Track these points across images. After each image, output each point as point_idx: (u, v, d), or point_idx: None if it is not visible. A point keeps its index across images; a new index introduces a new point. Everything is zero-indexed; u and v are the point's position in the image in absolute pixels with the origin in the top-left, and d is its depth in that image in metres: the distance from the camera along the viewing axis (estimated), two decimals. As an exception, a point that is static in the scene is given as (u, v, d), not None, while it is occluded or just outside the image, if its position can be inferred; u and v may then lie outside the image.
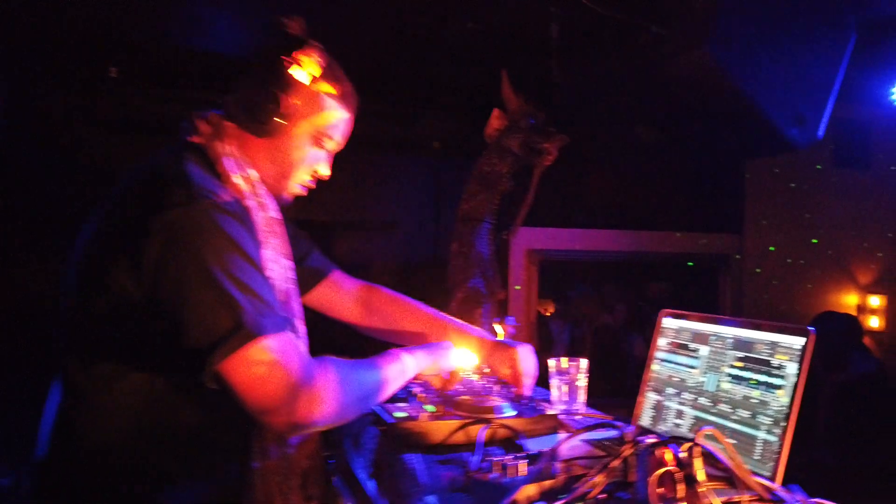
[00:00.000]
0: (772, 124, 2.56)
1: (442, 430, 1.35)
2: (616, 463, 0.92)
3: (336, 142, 1.45)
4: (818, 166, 5.33)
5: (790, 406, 1.14)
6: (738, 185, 5.14)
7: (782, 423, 1.14)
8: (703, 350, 1.37)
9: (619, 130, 3.20)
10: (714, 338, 1.36)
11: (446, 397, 1.53)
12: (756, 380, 1.22)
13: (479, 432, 1.32)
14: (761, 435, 1.17)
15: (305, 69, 1.33)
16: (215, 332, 1.06)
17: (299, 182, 1.44)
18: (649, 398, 1.48)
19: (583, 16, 3.05)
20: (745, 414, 1.22)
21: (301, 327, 1.53)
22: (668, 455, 0.88)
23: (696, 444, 0.88)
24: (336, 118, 1.39)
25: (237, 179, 1.29)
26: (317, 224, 5.42)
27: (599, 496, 0.92)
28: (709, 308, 5.35)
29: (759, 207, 5.18)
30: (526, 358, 1.55)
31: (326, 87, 1.37)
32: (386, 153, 5.51)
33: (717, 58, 2.44)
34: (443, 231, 4.76)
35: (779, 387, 1.17)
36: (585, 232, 4.82)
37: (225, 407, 1.16)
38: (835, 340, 3.82)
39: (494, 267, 4.46)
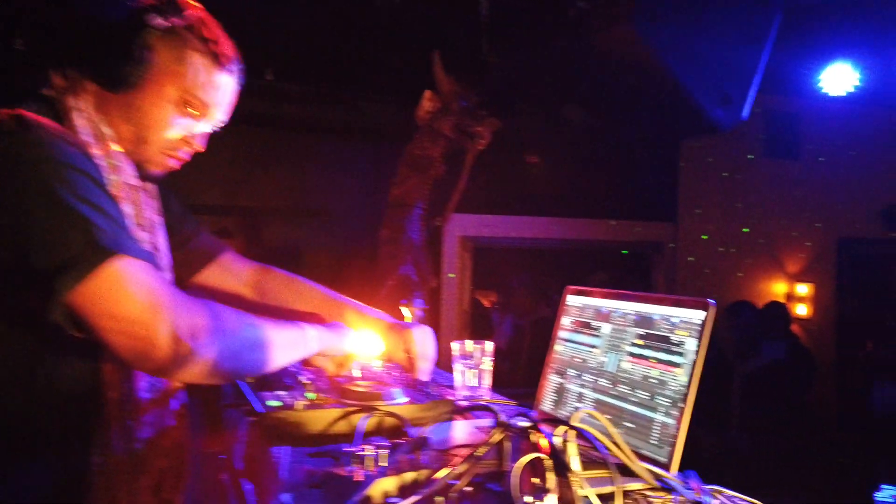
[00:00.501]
0: (697, 103, 2.51)
1: (320, 419, 1.21)
2: (483, 450, 0.80)
3: (209, 108, 1.27)
4: (750, 156, 5.40)
5: (688, 386, 1.05)
6: (672, 173, 5.16)
7: (680, 405, 1.05)
8: (605, 328, 1.28)
9: (550, 111, 3.11)
10: (616, 314, 1.26)
11: (335, 384, 1.40)
12: (656, 358, 1.13)
13: (360, 422, 1.20)
14: (659, 417, 1.08)
15: (169, 18, 1.17)
16: (64, 252, 0.91)
17: (165, 150, 1.26)
18: (552, 381, 1.38)
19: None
20: (643, 395, 1.12)
21: None
22: (543, 441, 0.77)
23: (571, 428, 0.77)
24: (205, 79, 1.22)
25: (86, 136, 1.13)
26: (244, 209, 5.20)
27: (466, 488, 0.80)
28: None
29: (693, 196, 5.21)
30: (422, 340, 1.43)
31: (195, 43, 1.21)
32: (320, 137, 5.32)
33: (642, 34, 2.37)
34: (380, 219, 4.61)
35: (678, 365, 1.08)
36: (520, 219, 4.75)
37: (59, 381, 1.00)
38: (746, 329, 3.86)
39: (426, 254, 4.34)
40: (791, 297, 5.55)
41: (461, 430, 1.23)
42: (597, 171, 5.13)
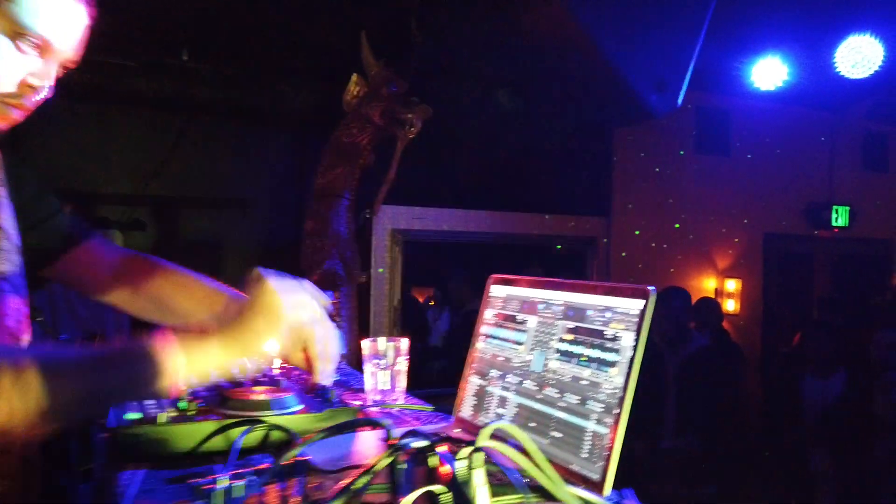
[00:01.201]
0: (632, 88, 2.40)
1: (188, 435, 1.00)
2: (363, 481, 0.62)
3: (49, 42, 1.03)
4: (681, 152, 5.41)
5: (624, 388, 0.89)
6: (605, 169, 5.11)
7: (614, 411, 0.89)
8: (532, 322, 1.11)
9: (479, 96, 2.95)
10: (543, 306, 1.10)
11: (220, 390, 1.19)
12: (587, 356, 0.97)
13: (238, 437, 0.99)
14: (591, 426, 0.92)
15: None
16: None
17: (1, 99, 1.02)
18: (472, 383, 1.20)
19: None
20: (573, 400, 0.96)
21: (15, 305, 1.13)
22: (443, 468, 0.59)
23: (478, 450, 0.60)
24: (38, 4, 0.99)
25: None
26: (158, 199, 4.84)
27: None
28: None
29: (626, 192, 5.18)
30: (323, 339, 1.22)
31: None
32: (241, 123, 5.01)
33: (573, 13, 2.24)
34: (305, 210, 4.36)
35: (612, 364, 0.92)
36: (453, 212, 4.59)
37: None
38: (676, 316, 3.83)
39: (354, 248, 4.11)
40: (720, 292, 5.61)
41: (362, 445, 1.04)
42: (532, 165, 5.03)
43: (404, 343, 1.40)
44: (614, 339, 0.94)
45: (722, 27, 3.84)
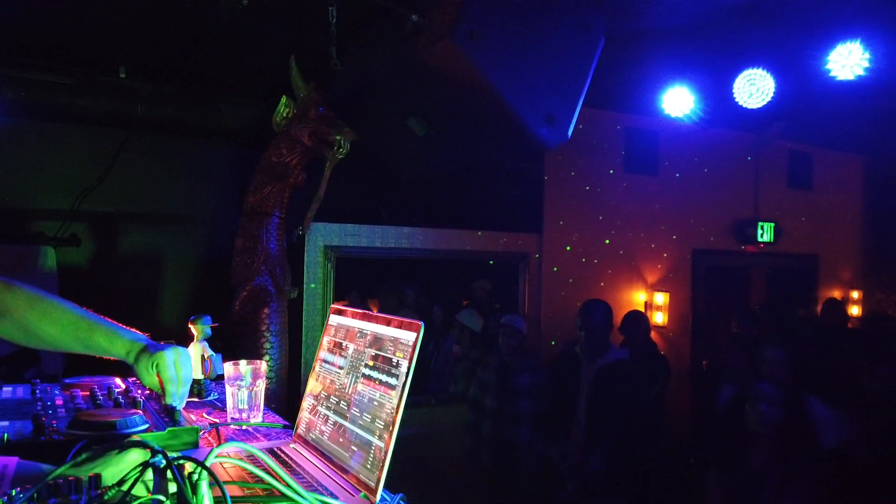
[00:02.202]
0: (523, 122, 2.58)
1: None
2: (112, 494, 0.75)
3: None
4: (611, 171, 5.64)
5: (397, 407, 1.04)
6: (537, 186, 5.30)
7: (390, 427, 1.04)
8: (350, 348, 1.26)
9: (394, 122, 3.10)
10: (359, 335, 1.25)
11: (78, 411, 1.31)
12: (379, 380, 1.12)
13: (71, 452, 1.11)
14: (375, 441, 1.07)
15: None
16: None
17: None
18: (307, 402, 1.35)
19: (357, 1, 2.91)
20: (367, 418, 1.11)
21: None
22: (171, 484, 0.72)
23: (203, 467, 0.73)
24: None
25: None
26: (96, 215, 4.88)
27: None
28: (510, 306, 5.49)
29: (557, 209, 5.38)
30: (172, 363, 1.35)
31: None
32: (180, 140, 5.08)
33: (464, 51, 2.40)
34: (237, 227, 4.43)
35: (393, 386, 1.07)
36: (386, 229, 4.73)
37: None
38: (598, 329, 3.99)
39: (284, 264, 4.22)
40: (649, 305, 5.84)
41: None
42: (464, 183, 5.20)
43: (263, 366, 1.54)
44: (397, 365, 1.09)
45: (636, 55, 4.08)
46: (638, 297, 5.80)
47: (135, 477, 0.75)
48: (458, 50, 2.40)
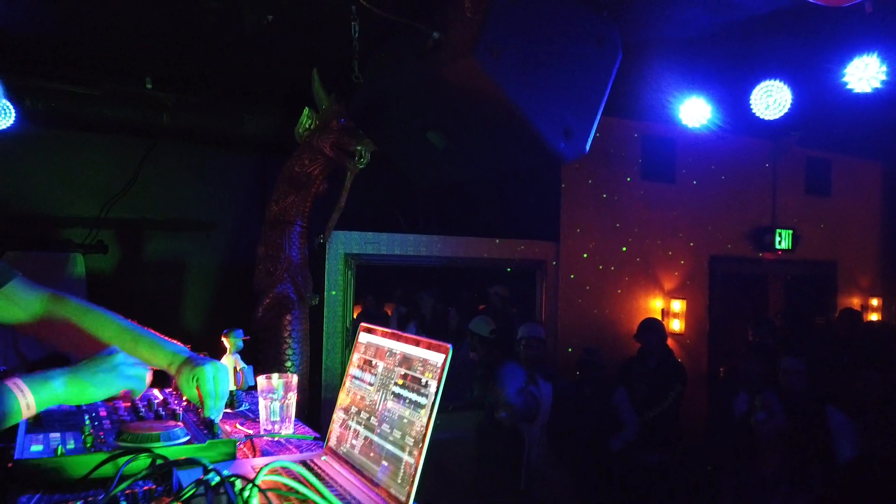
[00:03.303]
0: (541, 135, 2.63)
1: (81, 465, 1.19)
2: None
3: None
4: (628, 179, 5.67)
5: (426, 426, 1.10)
6: (554, 195, 5.34)
7: (420, 445, 1.10)
8: (380, 366, 1.32)
9: (414, 134, 3.17)
10: (388, 354, 1.31)
11: (120, 422, 1.38)
12: (408, 398, 1.18)
13: (123, 465, 1.19)
14: (405, 457, 1.13)
15: None
16: None
17: None
18: (338, 417, 1.41)
19: (380, 17, 2.98)
20: (398, 435, 1.17)
21: None
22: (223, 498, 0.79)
23: (254, 485, 0.80)
24: None
25: None
26: (122, 222, 5.00)
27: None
28: (527, 312, 5.53)
29: (574, 217, 5.41)
30: (212, 377, 1.42)
31: None
32: (205, 149, 5.19)
33: (485, 67, 2.46)
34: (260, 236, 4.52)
35: (422, 406, 1.13)
36: (405, 236, 4.80)
37: None
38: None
39: (306, 272, 4.31)
40: (666, 312, 5.85)
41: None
42: (482, 192, 5.26)
43: (294, 379, 1.60)
44: (426, 385, 1.15)
45: (654, 65, 4.11)
46: (655, 305, 5.82)
47: (192, 492, 0.82)
48: (478, 66, 2.46)
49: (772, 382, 4.31)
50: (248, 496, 0.78)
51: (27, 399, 1.19)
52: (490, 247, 5.12)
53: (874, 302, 7.11)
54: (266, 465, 0.88)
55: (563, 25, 2.70)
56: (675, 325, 5.82)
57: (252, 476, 0.81)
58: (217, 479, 0.81)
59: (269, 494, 0.83)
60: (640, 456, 4.75)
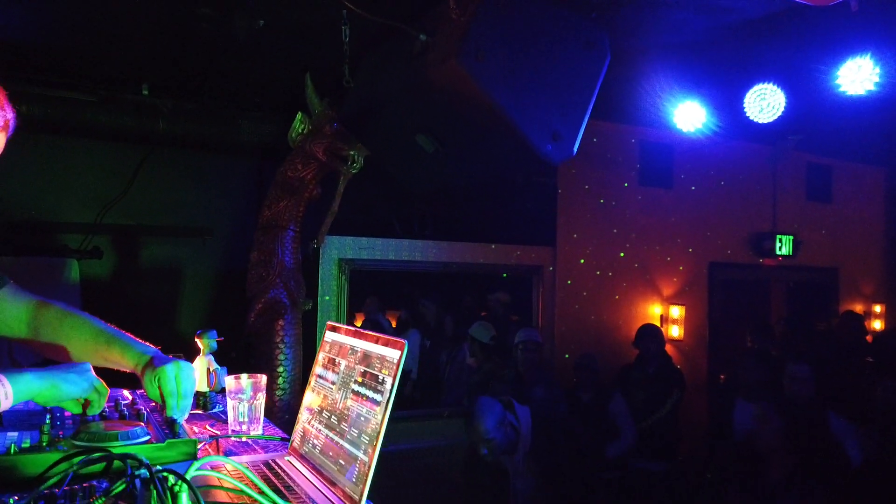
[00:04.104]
0: (528, 139, 2.61)
1: (35, 464, 1.17)
2: (101, 502, 0.80)
3: None
4: (626, 184, 5.65)
5: (381, 423, 1.08)
6: (551, 199, 5.32)
7: (374, 442, 1.08)
8: (342, 365, 1.30)
9: (404, 139, 3.16)
10: (350, 352, 1.29)
11: (82, 422, 1.37)
12: (366, 395, 1.16)
13: (77, 464, 1.17)
14: (360, 455, 1.10)
15: None
16: None
17: None
18: (303, 416, 1.39)
19: (369, 21, 2.98)
20: (354, 433, 1.15)
21: None
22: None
23: (184, 481, 0.78)
24: None
25: None
26: (118, 228, 5.01)
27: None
28: (524, 318, 5.50)
29: (571, 222, 5.39)
30: (173, 377, 1.40)
31: None
32: (200, 154, 5.20)
33: (470, 70, 2.45)
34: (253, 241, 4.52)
35: (378, 402, 1.11)
36: (399, 242, 4.78)
37: None
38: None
39: (298, 277, 4.29)
40: (665, 318, 5.81)
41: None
42: (478, 196, 5.24)
43: (263, 380, 1.58)
44: (382, 381, 1.13)
45: (650, 70, 4.10)
46: (653, 311, 5.78)
47: (122, 487, 0.80)
48: (464, 70, 2.45)
49: (772, 389, 4.26)
50: (178, 491, 0.76)
51: (6, 389, 1.22)
52: (486, 252, 5.10)
53: (877, 308, 7.04)
54: (198, 461, 0.86)
55: (550, 29, 2.69)
56: (675, 332, 5.77)
57: (183, 472, 0.79)
58: (147, 474, 0.79)
59: (201, 491, 0.81)
60: (639, 464, 4.71)
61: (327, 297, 4.55)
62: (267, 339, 4.12)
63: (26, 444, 1.23)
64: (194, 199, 5.28)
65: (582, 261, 5.43)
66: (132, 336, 1.57)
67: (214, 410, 1.78)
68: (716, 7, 3.21)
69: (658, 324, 5.64)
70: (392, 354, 1.12)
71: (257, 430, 1.56)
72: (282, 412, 3.99)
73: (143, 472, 0.81)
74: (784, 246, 6.34)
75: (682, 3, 3.19)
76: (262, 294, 4.11)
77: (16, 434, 1.29)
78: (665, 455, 4.83)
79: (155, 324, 4.71)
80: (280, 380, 4.07)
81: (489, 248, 5.11)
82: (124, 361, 1.49)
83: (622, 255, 5.62)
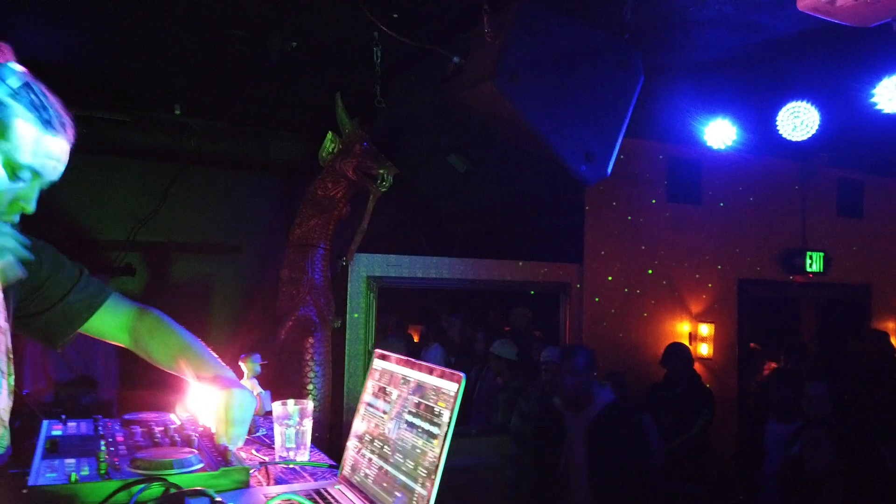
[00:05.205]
0: (562, 159, 2.62)
1: (94, 493, 1.19)
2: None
3: (39, 174, 1.25)
4: (653, 201, 5.61)
5: (439, 456, 1.08)
6: (578, 216, 5.31)
7: (433, 476, 1.08)
8: (394, 394, 1.30)
9: (435, 158, 3.18)
10: (402, 381, 1.29)
11: (135, 449, 1.38)
12: (421, 427, 1.16)
13: (136, 494, 1.18)
14: (417, 488, 1.10)
15: None
16: None
17: None
18: (352, 445, 1.39)
19: (400, 41, 3.01)
20: (410, 465, 1.15)
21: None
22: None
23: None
24: (35, 146, 1.21)
25: None
26: (150, 245, 5.09)
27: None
28: (551, 335, 5.47)
29: (598, 239, 5.36)
30: (231, 404, 1.40)
31: (22, 111, 1.19)
32: (230, 173, 5.27)
33: (504, 92, 2.47)
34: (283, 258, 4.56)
35: (435, 436, 1.11)
36: (427, 259, 4.79)
37: None
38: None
39: (328, 295, 4.32)
40: (694, 336, 5.74)
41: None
42: (505, 214, 5.24)
43: (310, 405, 1.59)
44: (439, 414, 1.13)
45: (680, 87, 4.09)
46: (682, 328, 5.71)
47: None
48: (499, 92, 2.46)
49: (799, 410, 4.17)
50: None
51: None
52: (513, 269, 5.09)
53: (911, 326, 6.90)
54: (272, 500, 0.87)
55: (584, 49, 2.70)
56: (703, 350, 5.70)
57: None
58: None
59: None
60: (667, 485, 4.63)
61: (356, 315, 4.57)
62: (297, 357, 4.14)
63: (85, 472, 1.24)
64: (224, 216, 5.35)
65: (610, 278, 5.40)
66: (212, 352, 1.59)
67: (258, 434, 1.79)
68: (748, 25, 3.19)
69: (687, 342, 5.58)
70: (449, 387, 1.12)
71: (304, 457, 1.57)
72: (313, 429, 3.99)
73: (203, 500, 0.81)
74: (815, 263, 6.25)
75: (714, 21, 3.18)
76: (292, 311, 4.14)
77: (73, 461, 1.31)
78: (694, 476, 4.75)
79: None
80: (310, 397, 4.08)
81: (516, 265, 5.10)
82: (197, 375, 1.50)
83: (650, 272, 5.58)
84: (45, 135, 1.24)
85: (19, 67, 1.25)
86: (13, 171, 1.22)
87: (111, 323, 1.60)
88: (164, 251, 5.25)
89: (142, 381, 3.94)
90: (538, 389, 4.77)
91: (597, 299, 5.36)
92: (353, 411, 4.46)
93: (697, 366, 5.43)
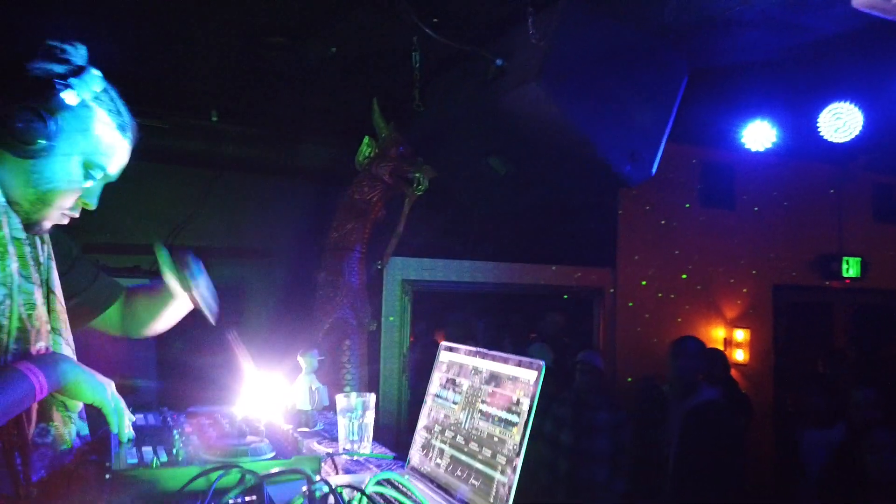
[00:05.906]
0: (606, 160, 2.61)
1: (174, 478, 1.21)
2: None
3: (108, 172, 1.37)
4: (687, 205, 5.57)
5: (520, 444, 1.08)
6: (611, 220, 5.29)
7: (514, 463, 1.08)
8: (465, 385, 1.31)
9: (474, 161, 3.19)
10: (473, 372, 1.30)
11: (207, 437, 1.41)
12: (498, 416, 1.17)
13: (214, 480, 1.20)
14: (497, 476, 1.11)
15: (80, 94, 1.26)
16: None
17: (63, 210, 1.34)
18: (420, 436, 1.40)
19: (440, 45, 3.03)
20: (487, 453, 1.16)
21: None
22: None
23: (364, 495, 0.80)
24: (108, 148, 1.32)
25: None
26: (187, 249, 5.15)
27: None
28: (585, 340, 5.44)
29: (632, 243, 5.33)
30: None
31: (101, 114, 1.30)
32: (263, 178, 5.33)
33: (549, 93, 2.47)
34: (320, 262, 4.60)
35: (514, 424, 1.12)
36: (461, 263, 4.80)
37: None
38: (689, 365, 3.76)
39: (364, 297, 4.35)
40: (729, 342, 5.67)
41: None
42: (538, 217, 5.24)
43: (371, 398, 1.61)
44: (518, 403, 1.14)
45: (717, 90, 4.06)
46: (717, 334, 5.65)
47: (302, 501, 0.82)
48: (545, 93, 2.47)
49: (840, 416, 4.09)
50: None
51: (40, 381, 1.21)
52: (546, 273, 5.08)
53: (951, 333, 6.74)
54: (374, 477, 0.88)
55: (627, 50, 2.70)
56: (739, 356, 5.63)
57: (362, 486, 0.81)
58: (325, 488, 0.81)
59: (377, 506, 0.82)
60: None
61: (391, 318, 4.59)
62: (334, 359, 4.17)
63: (164, 459, 1.27)
64: (258, 221, 5.40)
65: (643, 282, 5.37)
66: None
67: (317, 428, 1.81)
68: (791, 26, 3.17)
69: (722, 347, 5.52)
70: (528, 375, 1.13)
71: (367, 449, 1.58)
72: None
73: (320, 486, 0.83)
74: (851, 268, 6.15)
75: (755, 22, 3.15)
76: (329, 314, 4.17)
77: (149, 449, 1.34)
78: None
79: (218, 342, 4.82)
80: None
81: (549, 269, 5.09)
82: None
83: (684, 276, 5.53)
84: (119, 137, 1.33)
85: (98, 72, 1.32)
86: (88, 169, 1.31)
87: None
88: (199, 255, 5.30)
89: (182, 376, 4.01)
90: (573, 394, 4.75)
91: (630, 304, 5.33)
92: (388, 413, 4.49)
93: (733, 372, 5.37)
